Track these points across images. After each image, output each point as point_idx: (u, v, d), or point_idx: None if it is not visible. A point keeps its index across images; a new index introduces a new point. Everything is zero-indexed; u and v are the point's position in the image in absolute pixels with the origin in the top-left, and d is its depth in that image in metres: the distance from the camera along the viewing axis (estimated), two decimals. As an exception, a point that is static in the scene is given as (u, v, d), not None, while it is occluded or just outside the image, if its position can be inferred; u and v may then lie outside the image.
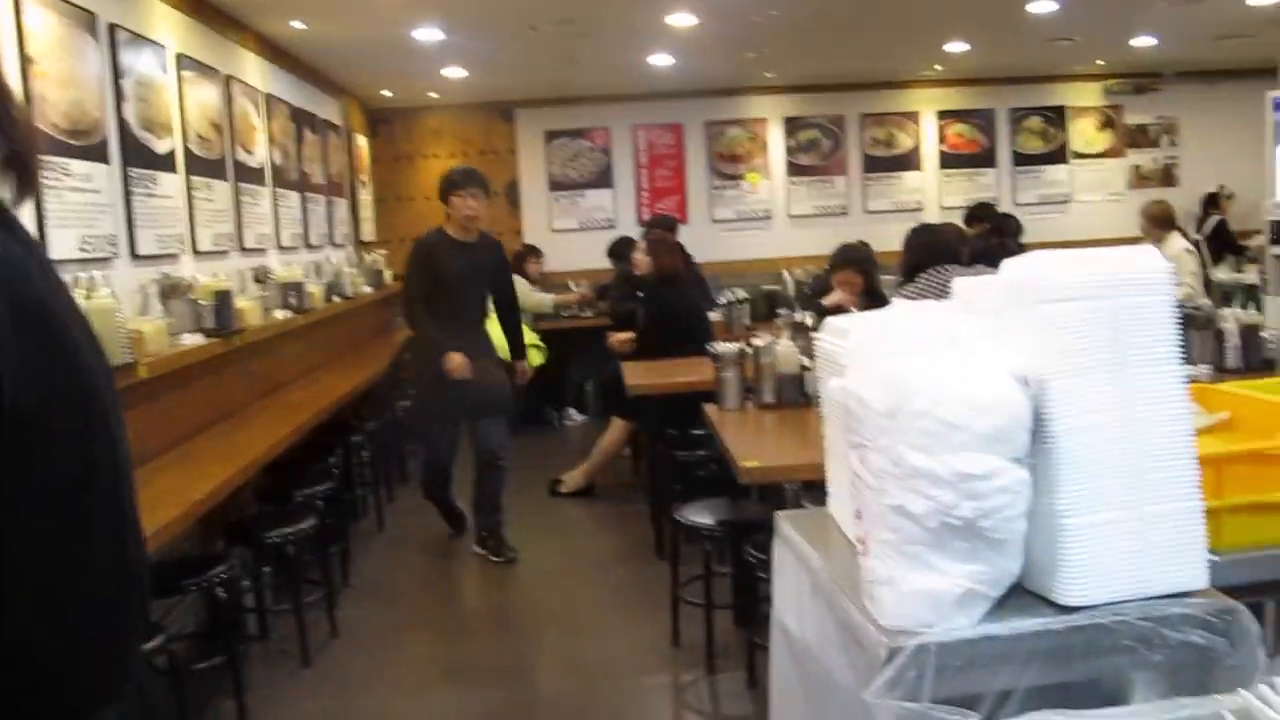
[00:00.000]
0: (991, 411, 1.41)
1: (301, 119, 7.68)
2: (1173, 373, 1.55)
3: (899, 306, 1.69)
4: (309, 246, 7.61)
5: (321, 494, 4.94)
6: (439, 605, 5.31)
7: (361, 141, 9.91)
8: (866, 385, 1.52)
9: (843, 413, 1.63)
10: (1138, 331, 1.53)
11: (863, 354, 1.60)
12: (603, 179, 10.75)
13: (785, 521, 2.06)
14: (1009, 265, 1.59)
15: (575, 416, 9.69)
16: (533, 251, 9.85)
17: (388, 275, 9.16)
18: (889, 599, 1.51)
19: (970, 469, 1.40)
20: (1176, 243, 7.43)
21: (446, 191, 5.52)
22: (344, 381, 6.34)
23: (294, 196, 7.33)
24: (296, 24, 6.66)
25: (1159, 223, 7.50)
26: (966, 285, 1.71)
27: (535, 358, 8.90)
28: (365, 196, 9.85)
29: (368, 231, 9.80)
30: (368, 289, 8.41)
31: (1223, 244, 10.13)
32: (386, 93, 9.82)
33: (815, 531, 1.97)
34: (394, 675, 4.34)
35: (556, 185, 10.71)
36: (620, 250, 8.84)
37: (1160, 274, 1.55)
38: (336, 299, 7.39)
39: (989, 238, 7.93)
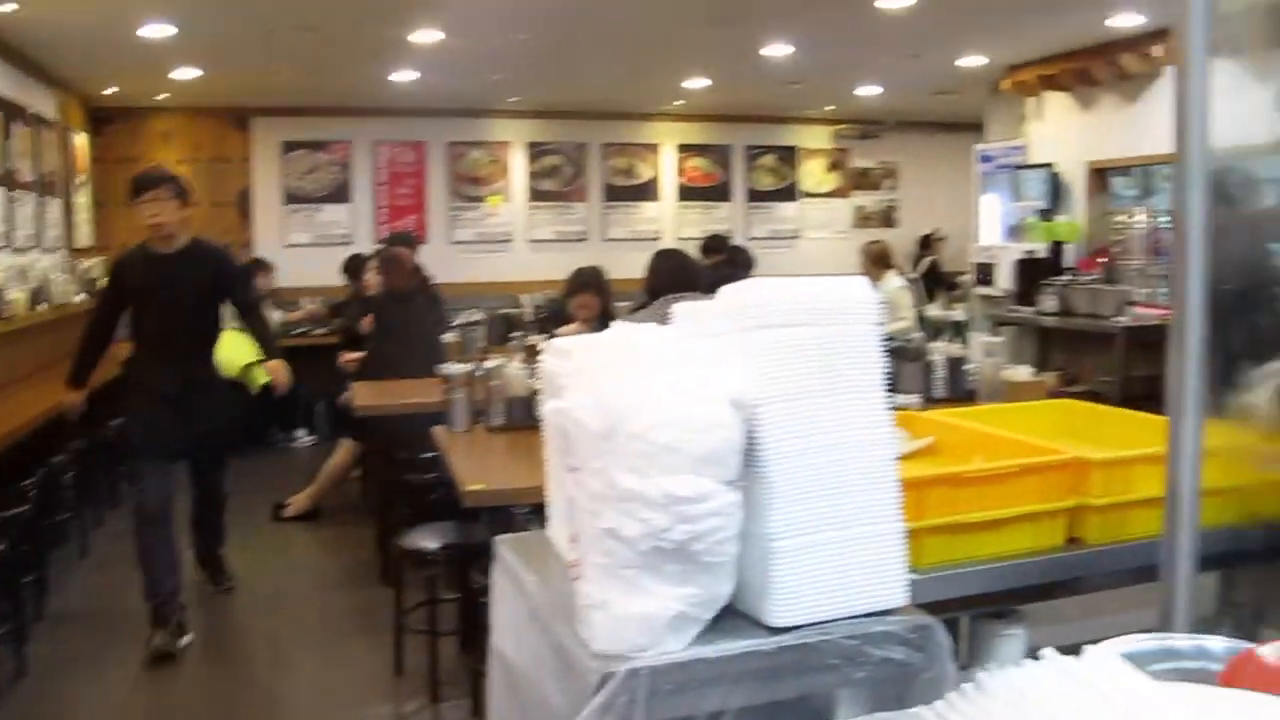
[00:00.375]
0: (705, 434, 1.41)
1: (10, 110, 7.10)
2: (878, 400, 1.60)
3: (620, 328, 1.68)
4: (14, 249, 7.04)
5: (14, 518, 4.54)
6: (145, 638, 4.98)
7: (80, 140, 9.24)
8: (582, 406, 1.50)
9: (559, 435, 1.61)
10: (847, 359, 1.57)
11: (582, 375, 1.58)
12: (341, 194, 10.47)
13: (504, 546, 2.01)
14: (728, 290, 1.60)
15: (305, 437, 9.35)
16: (261, 265, 9.42)
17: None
18: (602, 623, 1.48)
19: (683, 492, 1.40)
20: (893, 280, 7.87)
21: (132, 201, 4.87)
22: (47, 396, 5.87)
23: (-3, 194, 6.77)
24: (7, 5, 6.10)
25: (877, 261, 7.93)
26: (687, 308, 1.72)
27: (261, 376, 8.55)
28: (82, 199, 9.17)
29: (83, 236, 9.13)
30: (80, 297, 7.84)
31: (935, 282, 10.82)
32: (111, 90, 9.20)
33: (534, 556, 1.93)
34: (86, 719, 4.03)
35: (292, 198, 10.35)
36: (355, 267, 8.61)
37: (869, 305, 1.60)
38: (43, 307, 6.87)
39: (723, 268, 8.15)
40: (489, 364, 4.39)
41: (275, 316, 9.00)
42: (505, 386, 4.30)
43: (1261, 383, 1.86)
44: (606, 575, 1.47)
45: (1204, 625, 2.02)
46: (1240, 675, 0.96)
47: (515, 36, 7.22)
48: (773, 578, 1.53)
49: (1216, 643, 1.16)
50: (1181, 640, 1.18)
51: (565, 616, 1.61)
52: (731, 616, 1.58)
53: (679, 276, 4.76)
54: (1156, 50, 7.20)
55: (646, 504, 1.40)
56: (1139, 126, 7.87)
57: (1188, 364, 1.49)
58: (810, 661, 1.54)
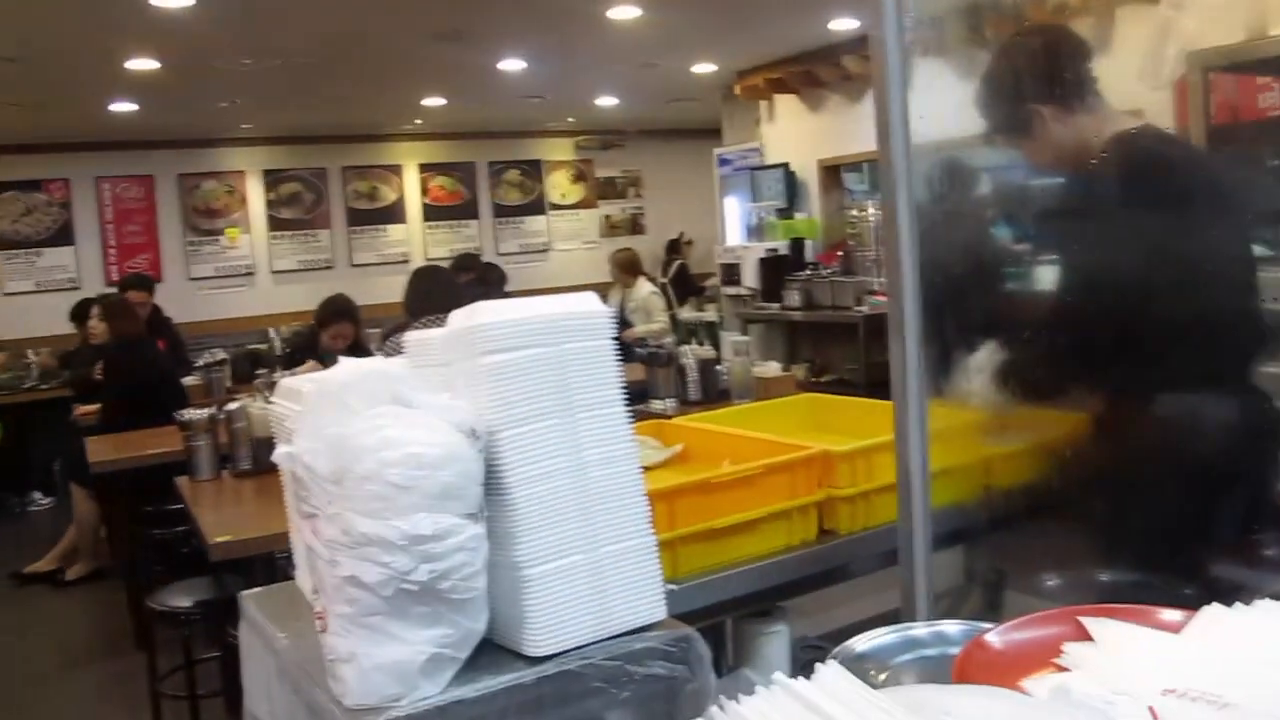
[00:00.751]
0: (440, 469, 1.36)
1: None
2: (618, 414, 1.59)
3: (346, 363, 1.60)
4: None
5: None
6: None
7: None
8: (312, 451, 1.42)
9: (294, 481, 1.52)
10: (583, 376, 1.55)
11: (311, 416, 1.50)
12: (63, 236, 9.81)
13: (250, 601, 1.91)
14: (455, 316, 1.56)
15: (42, 499, 8.72)
16: None
17: None
18: (351, 676, 1.41)
19: (423, 530, 1.34)
20: (644, 286, 7.99)
21: None
22: None
23: None
24: None
25: (626, 269, 8.07)
26: (414, 337, 1.67)
27: (-13, 437, 7.95)
28: None
29: None
30: None
31: (685, 286, 11.05)
32: None
33: (282, 609, 1.83)
34: None
35: (8, 243, 9.62)
36: (84, 313, 8.10)
37: (601, 317, 1.58)
38: None
39: (475, 287, 8.09)
40: (231, 406, 4.18)
41: None
42: (249, 428, 4.11)
43: (980, 363, 1.94)
44: (352, 625, 1.40)
45: (951, 599, 2.11)
46: (970, 664, 0.99)
47: (238, 62, 6.94)
48: (526, 607, 1.49)
49: (954, 627, 1.19)
50: (921, 629, 1.21)
51: (315, 673, 1.53)
52: (490, 651, 1.53)
53: (438, 295, 4.68)
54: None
55: (386, 547, 1.34)
56: (864, 124, 8.23)
57: (908, 350, 1.54)
58: (573, 688, 1.51)
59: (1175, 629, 0.99)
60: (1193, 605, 1.03)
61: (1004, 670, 0.97)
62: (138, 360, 6.00)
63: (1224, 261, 1.69)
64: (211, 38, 6.28)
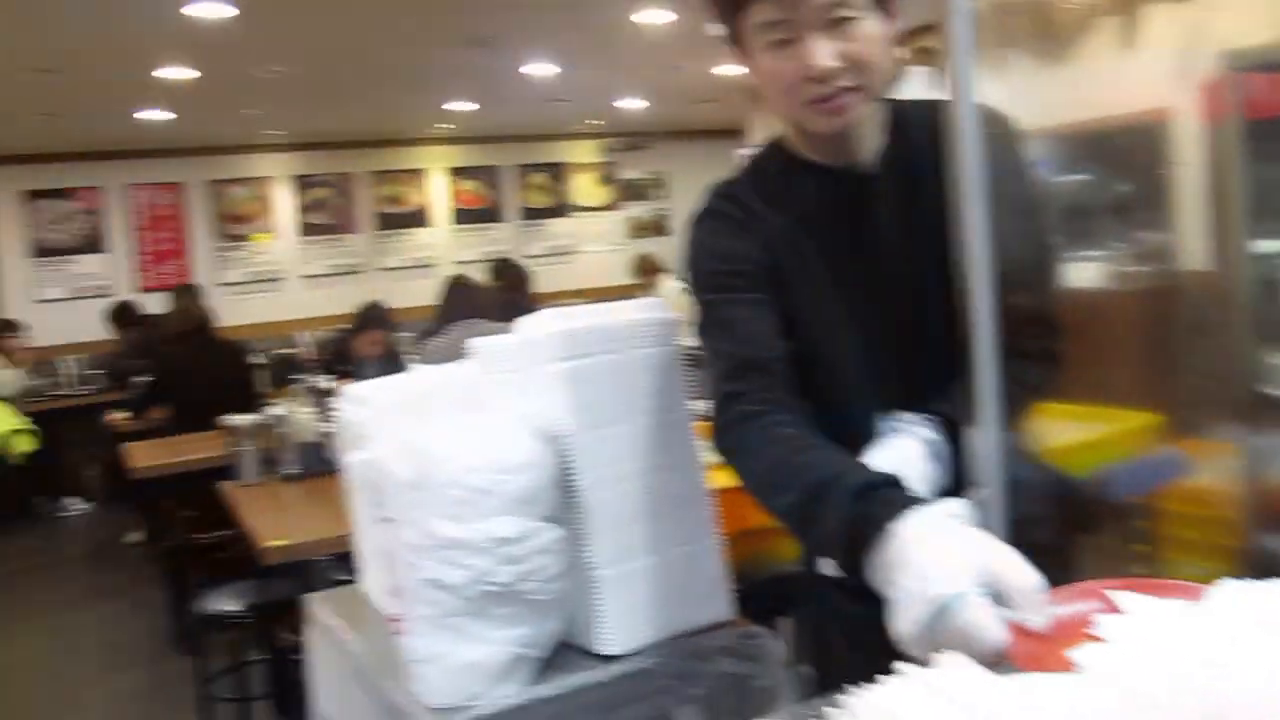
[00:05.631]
0: (519, 473, 1.39)
1: None
2: (682, 419, 1.62)
3: (418, 370, 1.64)
4: None
5: None
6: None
7: None
8: (391, 457, 1.46)
9: (368, 486, 1.56)
10: (649, 382, 1.58)
11: (384, 423, 1.54)
12: (94, 243, 9.90)
13: (317, 604, 1.94)
14: (525, 323, 1.59)
15: (76, 505, 8.80)
16: (7, 325, 8.78)
17: None
18: (433, 676, 1.44)
19: (505, 533, 1.38)
20: (668, 283, 8.10)
21: None
22: None
23: None
24: None
25: (645, 270, 8.27)
26: (484, 344, 1.70)
27: (24, 443, 8.02)
28: None
29: None
30: None
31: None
32: None
33: (350, 611, 1.86)
34: None
35: (40, 250, 9.70)
36: (123, 318, 8.20)
37: (666, 326, 1.62)
38: None
39: (506, 292, 8.15)
40: (275, 410, 4.24)
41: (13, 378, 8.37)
42: (296, 432, 4.16)
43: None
44: (434, 626, 1.43)
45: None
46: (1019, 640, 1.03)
47: (270, 69, 7.00)
48: (600, 607, 1.53)
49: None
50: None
51: (393, 673, 1.56)
52: (565, 651, 1.57)
53: (469, 303, 4.77)
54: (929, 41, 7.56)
55: (469, 550, 1.38)
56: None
57: (980, 355, 1.54)
58: (646, 686, 1.54)
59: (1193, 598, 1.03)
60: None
61: (1049, 645, 1.01)
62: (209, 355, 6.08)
63: None
64: (244, 45, 6.34)
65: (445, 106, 9.37)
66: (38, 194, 9.68)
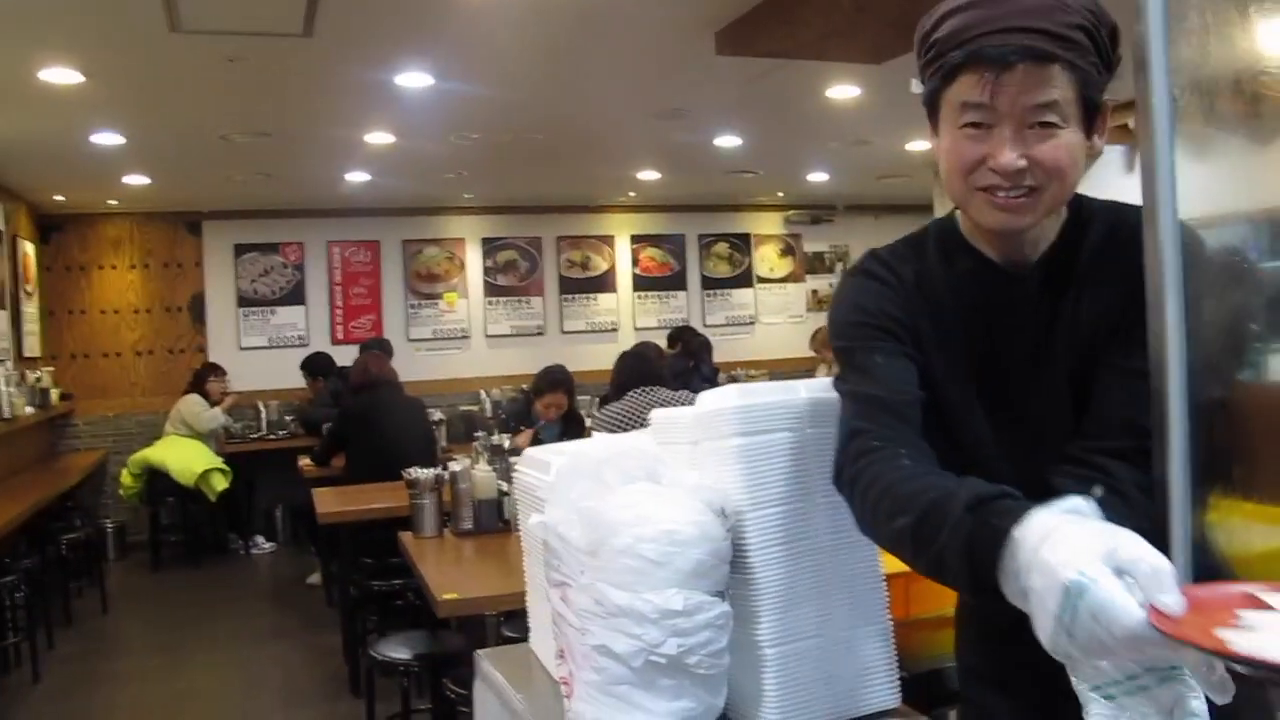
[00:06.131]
0: (693, 547, 1.40)
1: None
2: (858, 500, 1.61)
3: (598, 438, 1.67)
4: (-38, 363, 6.94)
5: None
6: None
7: (28, 249, 9.11)
8: (567, 522, 1.49)
9: (543, 549, 1.59)
10: (821, 460, 1.57)
11: (562, 488, 1.57)
12: (295, 295, 10.40)
13: (486, 660, 1.98)
14: (704, 397, 1.61)
15: (264, 544, 9.20)
16: (214, 369, 9.32)
17: (54, 394, 8.45)
18: (595, 742, 1.46)
19: (674, 605, 1.39)
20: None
21: None
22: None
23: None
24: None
25: (825, 346, 8.26)
26: (663, 415, 1.73)
27: (219, 481, 8.46)
28: (30, 309, 9.03)
29: (32, 346, 8.98)
30: (30, 409, 7.71)
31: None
32: (59, 197, 9.13)
33: (518, 669, 1.90)
34: None
35: (245, 301, 10.27)
36: (318, 367, 8.63)
37: (835, 406, 1.61)
38: (-8, 420, 6.76)
39: (685, 359, 8.24)
40: (455, 466, 4.35)
41: (211, 416, 8.85)
42: (473, 490, 4.27)
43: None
44: (599, 692, 1.45)
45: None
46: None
47: (467, 135, 7.29)
48: (765, 685, 1.52)
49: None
50: None
51: (555, 734, 1.58)
52: (724, 726, 1.57)
53: (642, 372, 4.86)
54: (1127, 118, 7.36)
55: (637, 619, 1.39)
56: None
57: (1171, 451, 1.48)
58: (805, 769, 1.53)
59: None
60: None
61: (1193, 623, 0.97)
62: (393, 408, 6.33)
63: None
64: (445, 114, 6.62)
65: (635, 175, 9.56)
66: (247, 247, 10.27)
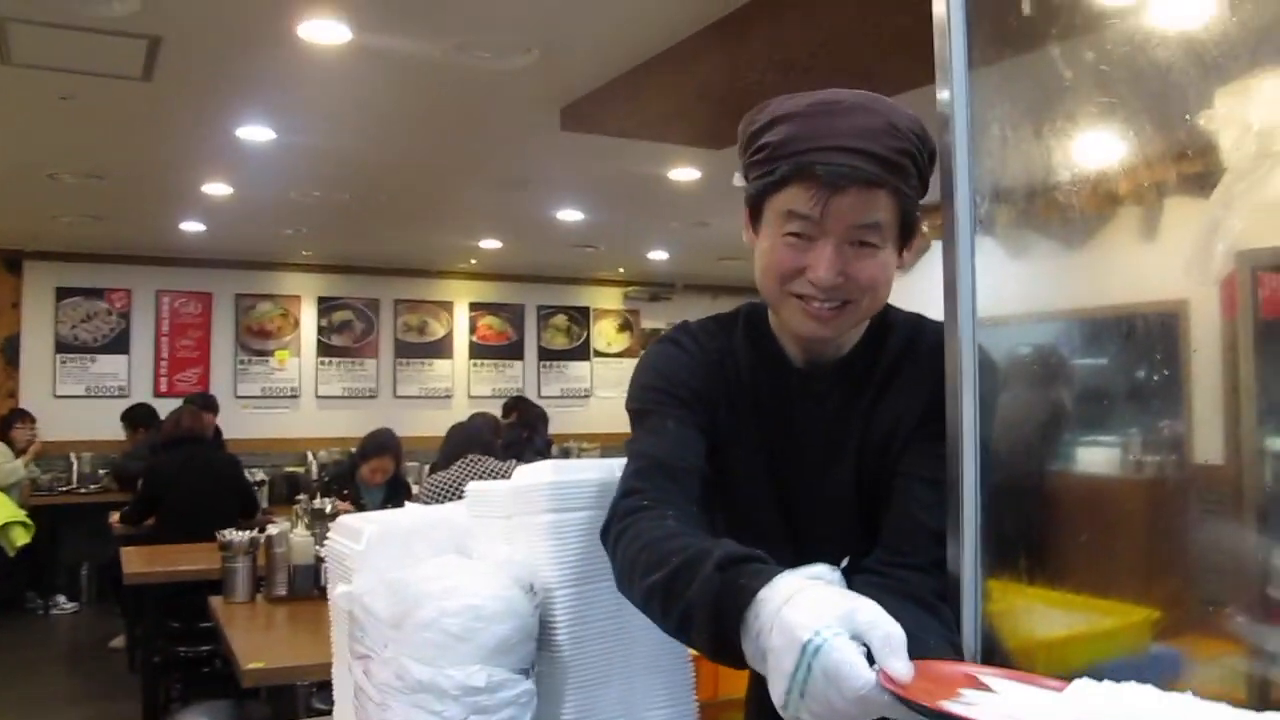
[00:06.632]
0: (498, 622, 1.40)
1: None
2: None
3: (410, 508, 1.66)
4: None
5: None
6: None
7: None
8: (373, 592, 1.47)
9: (348, 620, 1.56)
10: (638, 540, 1.59)
11: (372, 557, 1.55)
12: (119, 344, 9.99)
13: (286, 733, 1.92)
14: (520, 471, 1.61)
15: (66, 604, 8.72)
16: (21, 415, 8.81)
17: None
18: (389, 822, 1.43)
19: (476, 682, 1.38)
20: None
21: None
22: None
23: None
24: None
25: None
26: (478, 488, 1.72)
27: (20, 535, 7.99)
28: None
29: None
30: None
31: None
32: None
33: (318, 744, 1.85)
34: None
35: (64, 347, 9.81)
36: (137, 419, 8.29)
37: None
38: None
39: (520, 430, 8.18)
40: (272, 529, 4.23)
41: (9, 468, 8.31)
42: (289, 554, 4.15)
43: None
44: (395, 770, 1.42)
45: None
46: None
47: (308, 192, 7.19)
48: (566, 766, 1.51)
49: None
50: None
51: (350, 813, 1.54)
52: (524, 807, 1.55)
53: (473, 440, 4.83)
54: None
55: (438, 695, 1.37)
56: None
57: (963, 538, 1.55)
58: None
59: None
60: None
61: (919, 690, 1.01)
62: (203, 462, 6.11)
63: None
64: (286, 170, 6.52)
65: (477, 243, 9.55)
66: (70, 291, 9.83)
